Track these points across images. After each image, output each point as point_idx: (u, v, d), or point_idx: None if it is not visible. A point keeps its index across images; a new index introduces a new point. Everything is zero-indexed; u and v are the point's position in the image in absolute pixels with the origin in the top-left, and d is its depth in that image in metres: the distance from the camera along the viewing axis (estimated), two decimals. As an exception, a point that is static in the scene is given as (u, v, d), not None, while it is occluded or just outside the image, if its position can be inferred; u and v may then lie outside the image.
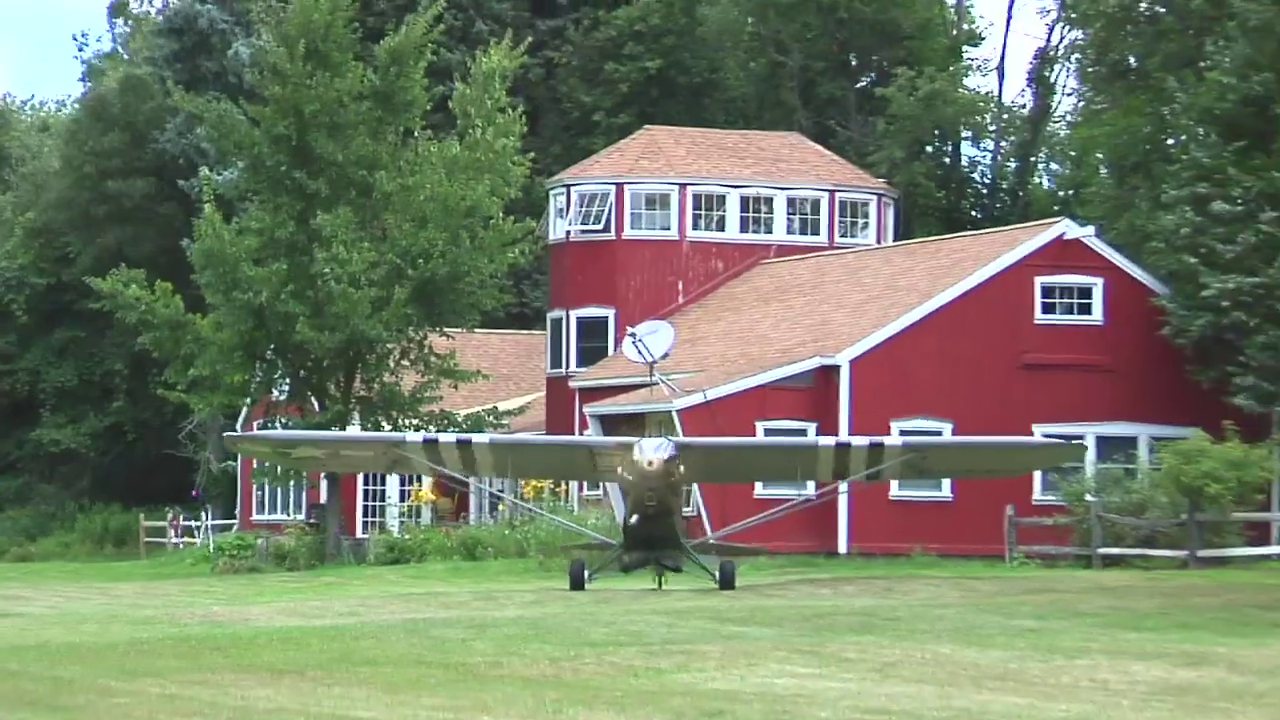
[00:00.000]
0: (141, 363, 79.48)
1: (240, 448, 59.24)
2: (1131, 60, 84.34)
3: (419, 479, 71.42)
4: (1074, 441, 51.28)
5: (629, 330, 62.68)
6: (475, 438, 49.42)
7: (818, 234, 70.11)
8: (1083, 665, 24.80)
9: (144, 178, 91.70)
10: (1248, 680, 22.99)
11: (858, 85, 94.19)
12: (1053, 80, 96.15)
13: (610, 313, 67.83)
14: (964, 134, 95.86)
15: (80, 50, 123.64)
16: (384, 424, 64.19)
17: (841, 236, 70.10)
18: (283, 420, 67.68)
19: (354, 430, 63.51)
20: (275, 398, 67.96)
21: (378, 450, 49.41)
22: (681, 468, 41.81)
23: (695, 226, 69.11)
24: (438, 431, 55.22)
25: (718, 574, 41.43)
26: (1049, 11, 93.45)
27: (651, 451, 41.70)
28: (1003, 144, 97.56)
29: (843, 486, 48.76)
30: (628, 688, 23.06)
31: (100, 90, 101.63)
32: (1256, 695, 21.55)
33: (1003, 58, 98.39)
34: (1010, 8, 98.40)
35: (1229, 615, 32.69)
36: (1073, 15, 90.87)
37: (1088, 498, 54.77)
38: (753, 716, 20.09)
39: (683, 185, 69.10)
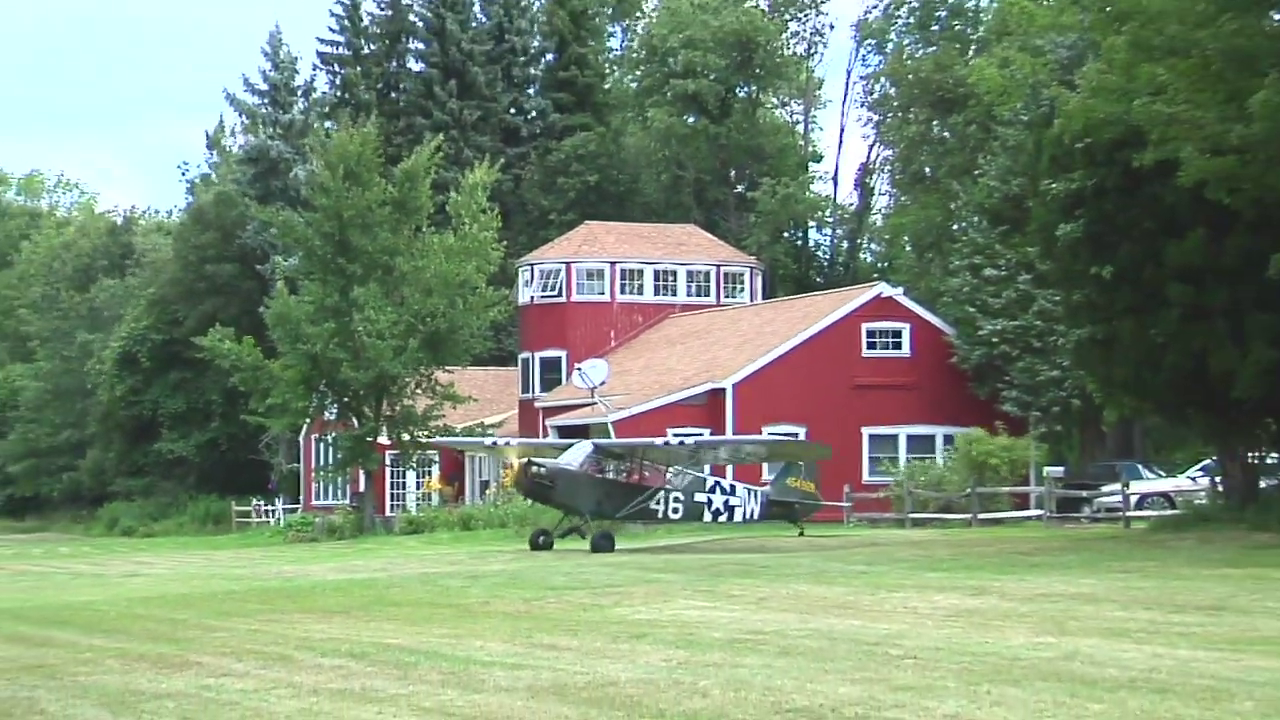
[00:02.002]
0: (231, 394, 78.99)
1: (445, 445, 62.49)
2: (927, 170, 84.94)
3: (429, 473, 71.43)
4: (826, 445, 50.37)
5: (576, 366, 62.75)
6: (512, 440, 56.16)
7: (708, 296, 70.23)
8: (899, 596, 24.83)
9: (231, 263, 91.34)
10: (1014, 605, 23.05)
11: (735, 190, 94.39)
12: (872, 185, 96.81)
13: (563, 353, 67.79)
14: (810, 223, 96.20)
15: (184, 173, 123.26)
16: (404, 435, 64.28)
17: (725, 298, 70.23)
18: (333, 435, 67.61)
19: (382, 439, 64.22)
20: (326, 418, 67.81)
21: (482, 448, 58.16)
22: (537, 467, 42.59)
23: (622, 292, 69.18)
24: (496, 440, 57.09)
25: (592, 541, 41.52)
26: (868, 137, 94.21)
27: (516, 460, 43.83)
28: (837, 230, 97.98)
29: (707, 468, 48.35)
30: (579, 618, 23.00)
31: (199, 202, 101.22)
32: (1020, 616, 21.60)
33: (836, 170, 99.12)
34: (841, 135, 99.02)
35: (1001, 560, 32.79)
36: (885, 139, 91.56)
37: (902, 478, 54.92)
38: (668, 637, 20.04)
39: (613, 263, 69.17)
